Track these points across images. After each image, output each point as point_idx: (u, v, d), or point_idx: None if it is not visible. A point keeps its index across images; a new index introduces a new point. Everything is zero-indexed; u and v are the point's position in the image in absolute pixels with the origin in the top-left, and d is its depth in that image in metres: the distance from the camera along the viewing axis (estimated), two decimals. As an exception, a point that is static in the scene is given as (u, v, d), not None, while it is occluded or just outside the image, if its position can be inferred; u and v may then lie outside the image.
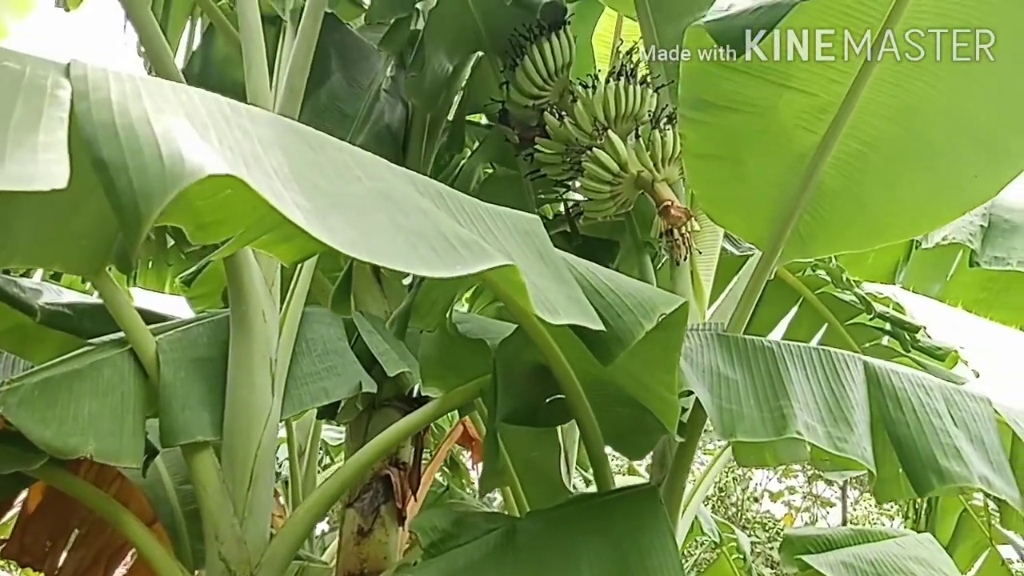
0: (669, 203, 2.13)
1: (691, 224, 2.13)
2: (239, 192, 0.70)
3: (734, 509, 6.77)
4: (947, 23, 1.54)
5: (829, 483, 7.20)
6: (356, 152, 0.98)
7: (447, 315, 1.80)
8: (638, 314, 1.18)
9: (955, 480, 1.38)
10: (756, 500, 7.59)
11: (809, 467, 7.27)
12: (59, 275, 3.81)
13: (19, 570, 4.34)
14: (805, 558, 1.95)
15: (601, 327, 1.06)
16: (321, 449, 4.49)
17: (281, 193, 0.74)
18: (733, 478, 7.35)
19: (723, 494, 7.26)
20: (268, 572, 1.80)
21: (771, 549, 6.39)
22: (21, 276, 3.27)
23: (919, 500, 3.29)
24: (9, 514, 2.36)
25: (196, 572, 2.03)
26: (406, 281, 2.72)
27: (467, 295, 3.35)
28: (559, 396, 1.79)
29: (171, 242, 3.56)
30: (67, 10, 3.01)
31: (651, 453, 1.98)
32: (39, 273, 3.58)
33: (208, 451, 1.87)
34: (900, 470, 1.70)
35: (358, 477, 2.15)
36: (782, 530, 6.99)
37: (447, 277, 0.79)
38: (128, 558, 2.18)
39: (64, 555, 2.06)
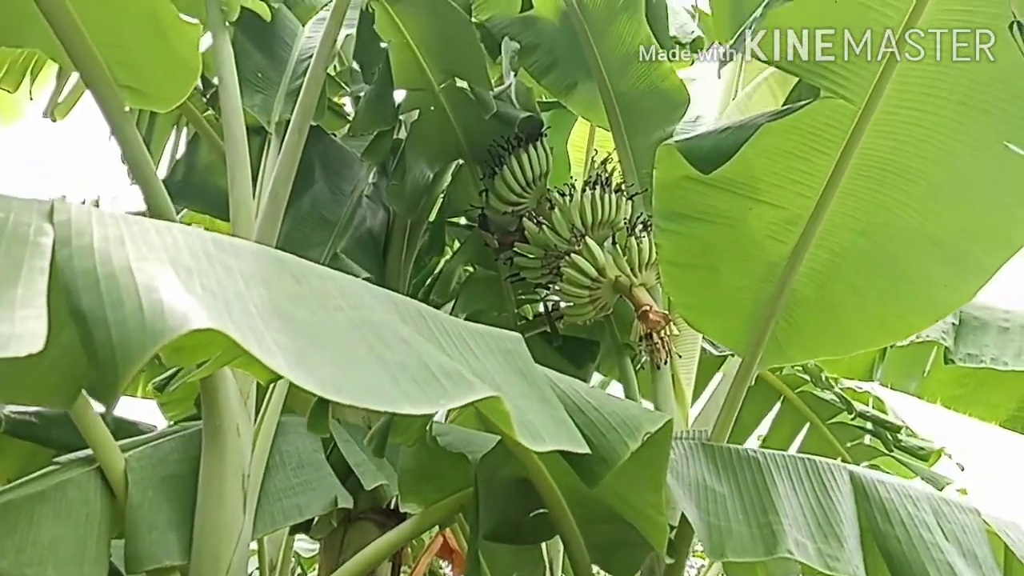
0: (648, 308, 2.15)
1: (670, 328, 2.14)
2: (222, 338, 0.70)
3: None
4: (903, 147, 1.62)
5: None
6: (338, 279, 0.98)
7: (427, 428, 1.77)
8: (622, 433, 1.17)
9: (950, 600, 1.34)
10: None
11: None
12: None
13: None
14: None
15: (586, 450, 1.04)
16: (293, 558, 4.29)
17: (262, 334, 0.73)
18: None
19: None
20: None
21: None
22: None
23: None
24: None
25: None
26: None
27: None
28: (542, 511, 1.74)
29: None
30: (54, 120, 3.07)
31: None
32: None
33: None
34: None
35: (335, 600, 2.04)
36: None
37: (427, 412, 0.78)
38: None
39: None
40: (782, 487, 1.58)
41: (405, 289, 3.00)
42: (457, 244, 3.33)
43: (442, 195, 3.14)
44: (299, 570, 4.33)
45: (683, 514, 1.62)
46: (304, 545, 4.37)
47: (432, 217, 3.15)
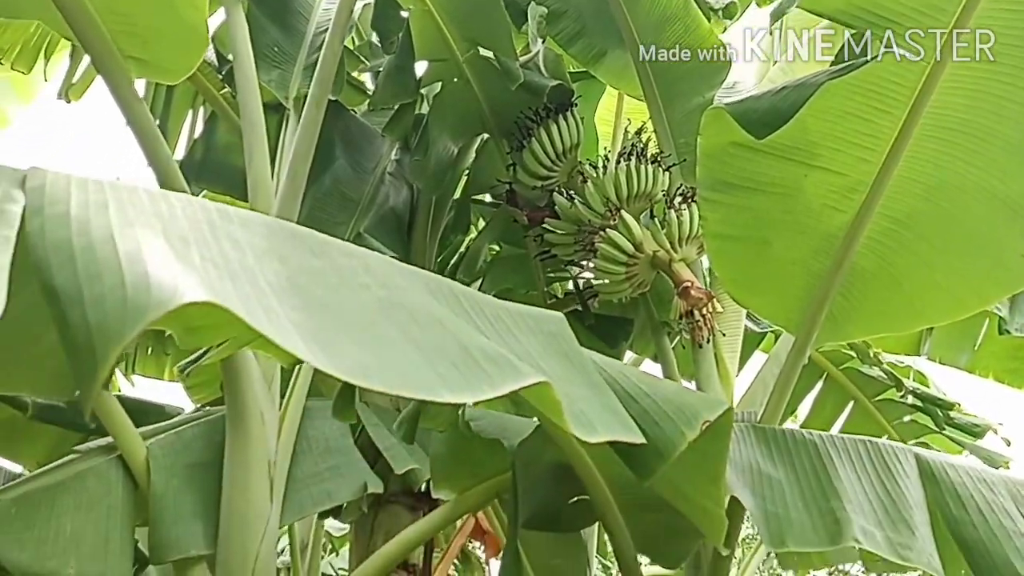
0: (689, 284, 2.03)
1: (713, 305, 2.02)
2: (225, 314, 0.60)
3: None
4: (979, 104, 1.48)
5: None
6: (364, 255, 0.88)
7: (459, 413, 1.68)
8: (679, 421, 1.06)
9: (1040, 595, 1.23)
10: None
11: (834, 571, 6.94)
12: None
13: None
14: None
15: (642, 440, 0.94)
16: (324, 536, 4.27)
17: (275, 312, 0.64)
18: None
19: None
20: None
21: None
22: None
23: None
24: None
25: None
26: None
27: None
28: (583, 497, 1.65)
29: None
30: (68, 101, 2.99)
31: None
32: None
33: (201, 566, 1.71)
34: (963, 573, 1.55)
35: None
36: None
37: (471, 401, 0.68)
38: None
39: None
40: (843, 472, 1.46)
41: (430, 268, 2.90)
42: (482, 223, 3.23)
43: (467, 172, 3.03)
44: (330, 547, 4.30)
45: (731, 499, 1.52)
46: (336, 524, 4.33)
47: (457, 195, 3.05)
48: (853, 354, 2.95)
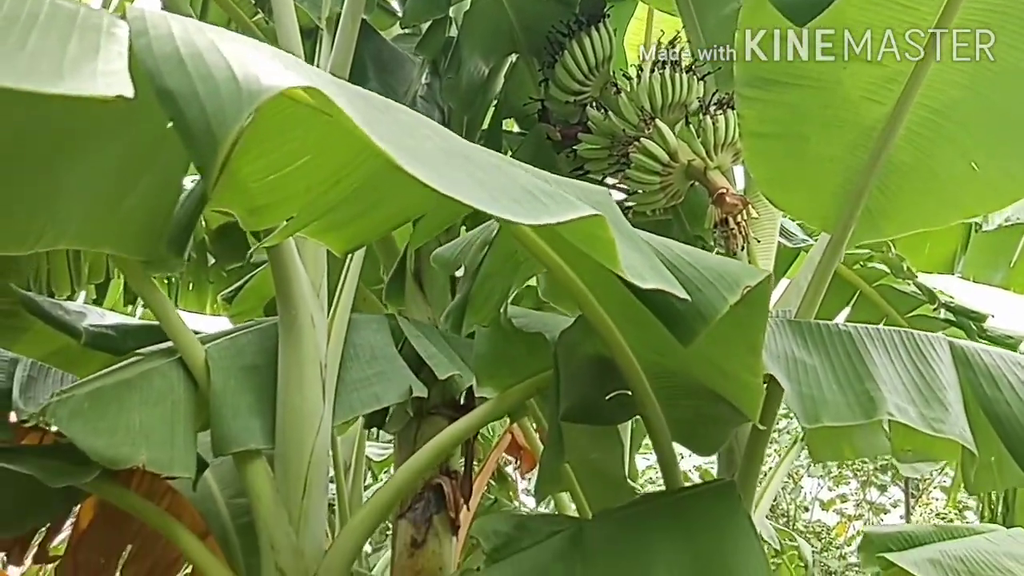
0: (724, 190, 2.04)
1: (748, 211, 2.04)
2: (317, 126, 0.65)
3: (784, 519, 6.56)
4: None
5: (883, 489, 6.95)
6: (421, 117, 0.92)
7: (502, 310, 1.74)
8: (720, 287, 1.10)
9: (1070, 457, 1.27)
10: (806, 509, 7.36)
11: (862, 473, 7.03)
12: (101, 299, 3.84)
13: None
14: (889, 556, 1.83)
15: (687, 297, 0.98)
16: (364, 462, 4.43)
17: (364, 112, 0.68)
18: (782, 487, 7.14)
19: (773, 503, 7.05)
20: (326, 583, 1.73)
21: (826, 558, 6.17)
22: (66, 300, 3.29)
23: (994, 501, 3.12)
24: (60, 537, 2.34)
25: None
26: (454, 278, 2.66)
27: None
28: (622, 392, 1.71)
29: (212, 260, 3.56)
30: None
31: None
32: (82, 296, 3.61)
33: (261, 460, 1.82)
34: (994, 459, 1.59)
35: (411, 484, 2.08)
36: (835, 539, 6.75)
37: (535, 224, 0.73)
38: (181, 572, 2.13)
39: (118, 572, 2.02)
40: (878, 358, 1.50)
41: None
42: (512, 151, 3.23)
43: (496, 100, 3.03)
44: (370, 477, 4.47)
45: (767, 384, 1.57)
46: (375, 451, 4.50)
47: (487, 124, 3.05)
48: (887, 270, 2.95)
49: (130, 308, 4.30)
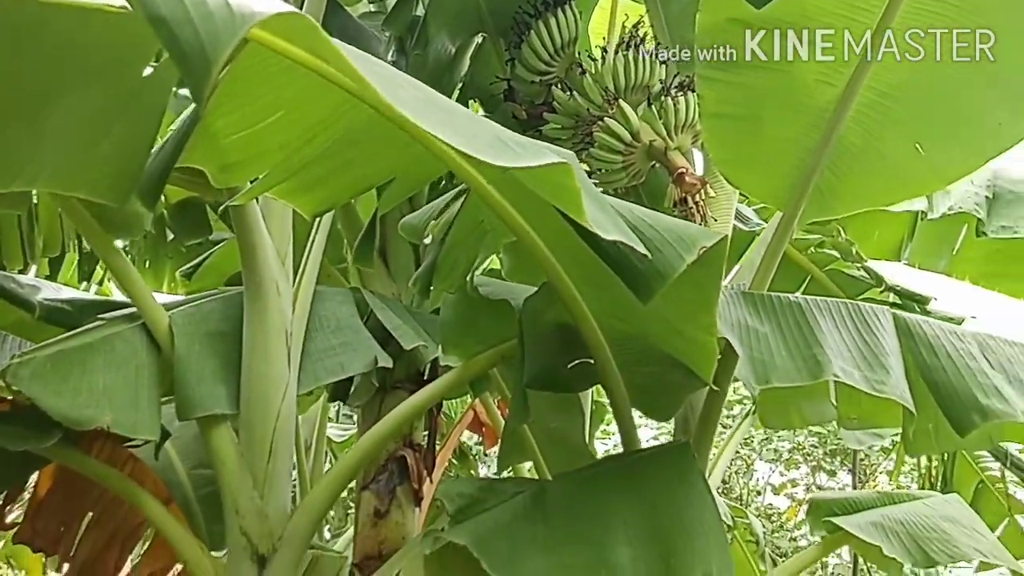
0: (684, 170, 2.10)
1: (706, 191, 2.11)
2: (293, 81, 0.67)
3: (738, 502, 6.76)
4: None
5: (832, 474, 7.20)
6: (400, 71, 0.95)
7: (468, 279, 1.78)
8: (678, 247, 1.16)
9: (997, 416, 1.36)
10: (759, 493, 7.59)
11: (812, 459, 7.27)
12: (55, 275, 3.76)
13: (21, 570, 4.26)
14: (834, 520, 1.93)
15: (647, 253, 1.03)
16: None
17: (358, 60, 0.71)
18: (735, 471, 7.34)
19: (726, 486, 7.24)
20: (290, 546, 1.76)
21: (777, 538, 6.38)
22: (18, 272, 3.22)
23: (934, 474, 3.28)
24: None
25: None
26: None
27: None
28: (584, 360, 1.76)
29: (171, 236, 3.52)
30: None
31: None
32: (33, 270, 3.53)
33: (225, 425, 1.83)
34: (931, 426, 1.69)
35: (376, 451, 2.10)
36: (786, 522, 6.98)
37: (508, 167, 0.76)
38: (143, 539, 2.13)
39: (78, 538, 2.01)
40: (825, 326, 1.58)
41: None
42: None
43: (462, 80, 3.06)
44: (331, 454, 4.46)
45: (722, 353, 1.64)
46: (335, 432, 4.50)
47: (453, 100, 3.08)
48: (837, 255, 3.06)
49: (84, 286, 4.22)
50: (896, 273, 3.20)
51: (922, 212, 3.05)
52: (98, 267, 3.99)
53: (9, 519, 2.05)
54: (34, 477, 2.05)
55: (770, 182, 1.90)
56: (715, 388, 1.54)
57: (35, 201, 3.22)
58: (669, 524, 1.43)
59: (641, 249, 1.01)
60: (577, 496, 1.56)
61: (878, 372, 1.45)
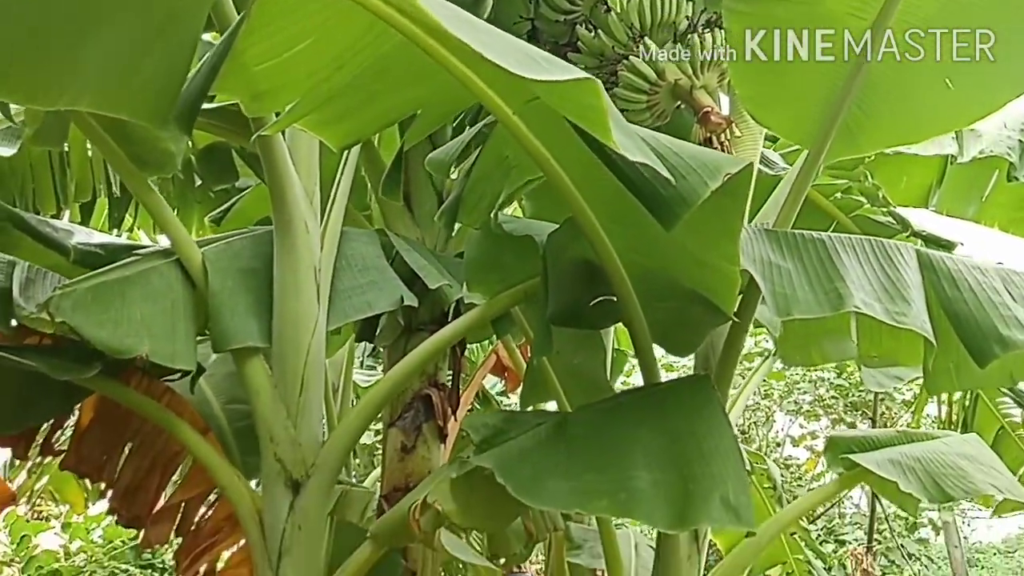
0: (709, 109, 2.09)
1: (731, 130, 2.10)
2: (323, 8, 0.69)
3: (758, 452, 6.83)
4: None
5: (851, 427, 7.23)
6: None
7: (492, 215, 1.80)
8: (703, 174, 1.17)
9: (1018, 347, 1.37)
10: (778, 445, 7.65)
11: (832, 412, 7.29)
12: (86, 221, 3.84)
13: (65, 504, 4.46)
14: (852, 457, 1.96)
15: (670, 177, 1.05)
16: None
17: None
18: (755, 423, 7.40)
19: (746, 436, 7.31)
20: (322, 472, 1.83)
21: (796, 488, 6.46)
22: (51, 217, 3.30)
23: (954, 420, 3.29)
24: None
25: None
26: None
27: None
28: (606, 297, 1.79)
29: (198, 183, 3.57)
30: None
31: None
32: (66, 216, 3.61)
33: (259, 357, 1.89)
34: (952, 363, 1.70)
35: (401, 385, 2.16)
36: (805, 473, 7.05)
37: (537, 80, 0.78)
38: (181, 466, 2.22)
39: (120, 465, 2.11)
40: (848, 261, 1.58)
41: (453, 114, 2.95)
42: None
43: (486, 20, 3.03)
44: (356, 399, 4.57)
45: (744, 293, 1.66)
46: (361, 377, 4.60)
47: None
48: (863, 201, 3.03)
49: (114, 232, 4.30)
50: (923, 219, 3.17)
51: (952, 156, 3.00)
52: (127, 215, 4.07)
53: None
54: (76, 409, 2.14)
55: (797, 119, 1.88)
56: (736, 320, 1.56)
57: (67, 149, 3.28)
58: (688, 451, 1.46)
59: (665, 173, 1.03)
60: (598, 425, 1.61)
61: (899, 304, 1.46)
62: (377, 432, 5.16)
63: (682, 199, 1.16)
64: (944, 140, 2.88)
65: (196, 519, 2.19)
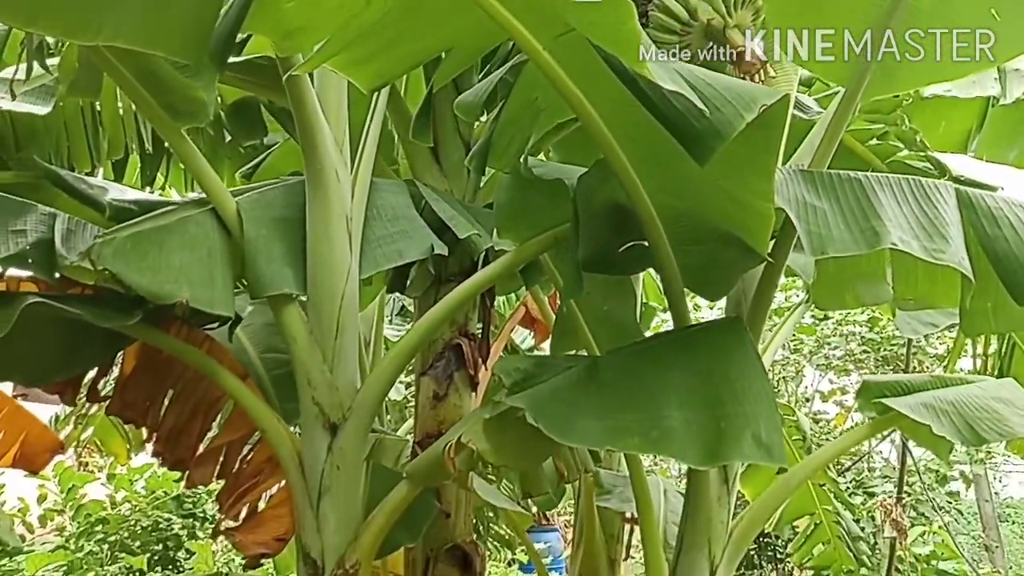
0: (743, 49, 2.05)
1: (766, 71, 2.05)
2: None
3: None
4: None
5: (882, 381, 7.17)
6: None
7: (522, 160, 1.80)
8: (738, 106, 1.15)
9: (1060, 283, 1.34)
10: (807, 400, 7.63)
11: (863, 366, 7.23)
12: (119, 179, 3.90)
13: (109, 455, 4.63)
14: (884, 401, 1.95)
15: (703, 108, 1.03)
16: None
17: None
18: (784, 377, 7.38)
19: (776, 391, 7.30)
20: (358, 415, 1.87)
21: (827, 443, 6.45)
22: (86, 174, 3.36)
23: (990, 367, 3.25)
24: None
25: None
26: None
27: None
28: (637, 243, 1.78)
29: (227, 139, 3.59)
30: None
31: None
32: (100, 174, 3.67)
33: (295, 304, 1.93)
34: (990, 304, 1.68)
35: (432, 332, 2.20)
36: (834, 428, 7.04)
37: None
38: (222, 412, 2.29)
39: (163, 411, 2.18)
40: (885, 199, 1.55)
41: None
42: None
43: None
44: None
45: (777, 235, 1.64)
46: (391, 332, 4.66)
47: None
48: (899, 145, 2.95)
49: (147, 190, 4.37)
50: (962, 165, 3.08)
51: (993, 99, 2.91)
52: (159, 173, 4.12)
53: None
54: (119, 356, 2.21)
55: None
56: (770, 260, 1.55)
57: (99, 108, 3.32)
58: (721, 391, 1.47)
59: (699, 104, 1.01)
60: (630, 367, 1.62)
61: (937, 241, 1.44)
62: (408, 385, 5.24)
63: (716, 132, 1.14)
64: (986, 81, 2.79)
65: (237, 461, 2.27)
